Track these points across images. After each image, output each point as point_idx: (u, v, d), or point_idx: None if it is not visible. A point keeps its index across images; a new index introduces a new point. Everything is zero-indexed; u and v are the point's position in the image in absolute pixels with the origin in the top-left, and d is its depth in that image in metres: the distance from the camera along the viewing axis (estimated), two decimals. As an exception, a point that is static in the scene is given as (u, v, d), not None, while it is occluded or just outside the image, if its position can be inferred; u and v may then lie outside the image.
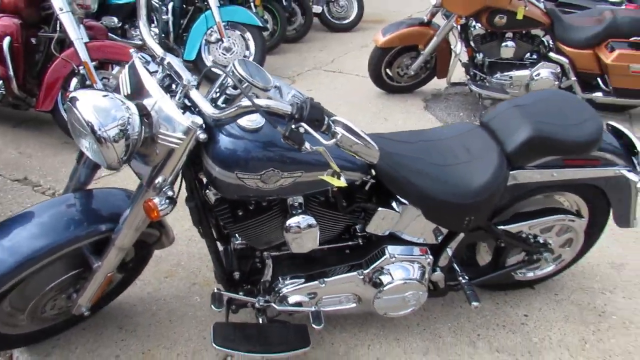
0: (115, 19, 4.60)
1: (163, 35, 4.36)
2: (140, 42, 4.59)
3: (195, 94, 1.39)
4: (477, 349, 1.98)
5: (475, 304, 1.82)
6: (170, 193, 1.45)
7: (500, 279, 2.10)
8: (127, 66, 1.52)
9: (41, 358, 1.85)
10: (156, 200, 1.41)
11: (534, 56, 4.02)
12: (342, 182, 1.33)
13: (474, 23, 3.91)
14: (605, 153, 1.82)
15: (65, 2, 3.07)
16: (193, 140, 1.37)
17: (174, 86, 1.48)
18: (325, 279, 1.77)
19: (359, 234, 1.82)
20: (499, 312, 2.16)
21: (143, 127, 1.39)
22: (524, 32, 3.89)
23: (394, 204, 1.72)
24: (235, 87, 1.45)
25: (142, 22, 1.51)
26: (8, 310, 1.65)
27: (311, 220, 1.57)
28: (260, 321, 1.82)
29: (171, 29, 4.35)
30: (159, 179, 1.43)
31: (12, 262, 1.47)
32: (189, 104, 1.42)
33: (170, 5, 4.32)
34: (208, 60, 4.45)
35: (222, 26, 4.29)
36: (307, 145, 1.27)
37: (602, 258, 2.51)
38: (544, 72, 3.91)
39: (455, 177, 1.69)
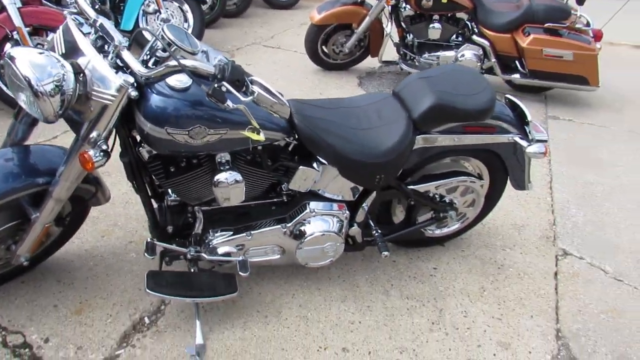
0: (48, -15, 4.50)
1: (99, 2, 4.32)
2: (75, 10, 4.53)
3: (126, 55, 1.51)
4: (389, 297, 2.22)
5: (385, 253, 2.05)
6: (104, 147, 1.57)
7: (411, 235, 2.34)
8: (60, 27, 1.61)
9: (-24, 309, 1.93)
10: (91, 152, 1.53)
11: (459, 38, 4.32)
12: (260, 137, 1.49)
13: (404, 4, 4.14)
14: (500, 122, 2.08)
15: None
16: (125, 98, 1.49)
17: (106, 47, 1.59)
18: (252, 232, 1.94)
19: (284, 192, 2.00)
20: (411, 266, 2.42)
21: (77, 84, 1.49)
22: (449, 15, 4.16)
23: (314, 164, 1.91)
24: (164, 50, 1.57)
25: (76, -15, 1.60)
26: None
27: (238, 176, 1.73)
28: (192, 270, 1.98)
29: (108, -2, 4.32)
30: (94, 134, 1.54)
31: None
32: (120, 64, 1.54)
33: (106, -27, 4.28)
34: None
35: (160, -3, 4.31)
36: (229, 102, 1.42)
37: (506, 220, 2.82)
38: (468, 53, 4.21)
39: (367, 140, 1.89)
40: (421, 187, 2.14)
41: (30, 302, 1.97)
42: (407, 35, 4.32)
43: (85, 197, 1.90)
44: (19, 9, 3.13)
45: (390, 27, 4.18)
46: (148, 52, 1.61)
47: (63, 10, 4.49)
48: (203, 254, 1.90)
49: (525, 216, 2.88)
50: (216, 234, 1.92)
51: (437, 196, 2.21)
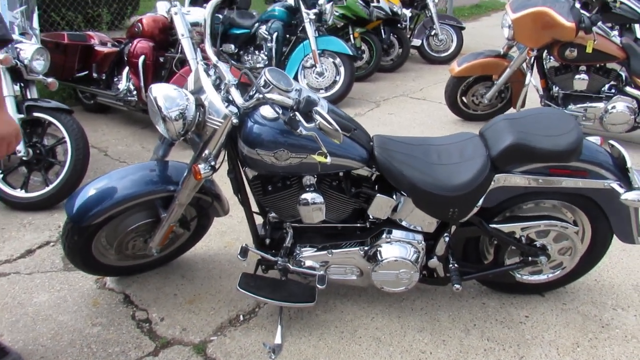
0: (232, 46, 5.46)
1: (267, 59, 5.09)
2: (249, 65, 5.38)
3: (233, 91, 1.91)
4: (468, 335, 2.22)
5: (456, 286, 2.09)
6: (212, 163, 1.98)
7: (500, 277, 2.31)
8: (193, 70, 2.10)
9: (124, 287, 2.46)
10: (200, 166, 1.94)
11: (612, 90, 4.05)
12: (323, 159, 1.74)
13: (547, 55, 4.06)
14: (593, 166, 2.01)
15: (186, 29, 3.85)
16: (230, 124, 1.88)
17: (221, 85, 2.02)
18: (333, 250, 2.16)
19: (370, 219, 2.20)
20: (501, 310, 2.37)
21: (198, 113, 1.94)
22: (598, 65, 3.96)
23: (394, 194, 2.09)
24: (265, 87, 1.94)
25: (207, 42, 2.08)
26: (103, 242, 2.27)
27: (319, 197, 1.99)
28: (283, 279, 2.26)
29: (274, 55, 5.05)
30: (206, 152, 1.96)
31: (111, 199, 2.07)
32: (230, 98, 1.95)
33: (274, 35, 5.03)
34: (303, 83, 5.07)
35: (316, 54, 4.90)
36: (301, 129, 1.72)
37: (627, 279, 2.58)
38: (620, 105, 3.92)
39: (443, 174, 2.01)
40: (505, 227, 2.14)
41: (158, 289, 2.45)
42: (552, 86, 4.20)
43: (204, 206, 2.33)
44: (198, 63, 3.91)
45: (528, 78, 4.12)
46: (254, 89, 2.00)
47: (235, 65, 5.41)
48: (289, 265, 2.17)
49: (655, 279, 2.59)
50: (303, 249, 2.19)
51: (523, 238, 2.18)
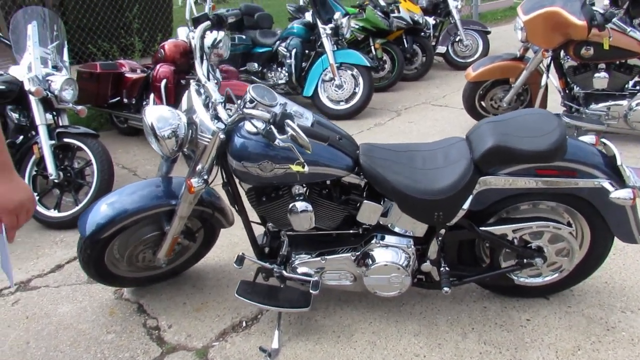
0: (256, 64, 5.65)
1: (286, 75, 5.24)
2: (272, 82, 5.55)
3: (219, 108, 2.03)
4: (465, 339, 2.22)
5: (445, 289, 2.10)
6: (205, 177, 2.11)
7: (498, 280, 2.30)
8: (187, 91, 2.24)
9: (138, 297, 2.61)
10: (193, 180, 2.07)
11: (637, 87, 3.92)
12: (300, 168, 1.82)
13: (565, 55, 3.99)
14: (582, 165, 1.99)
15: (204, 53, 4.04)
16: (218, 139, 2.00)
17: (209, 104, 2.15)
18: (326, 257, 2.23)
19: (362, 225, 2.25)
20: (502, 314, 2.35)
21: (190, 130, 2.07)
22: (618, 62, 3.84)
23: (382, 200, 2.14)
24: (251, 102, 2.05)
25: (197, 61, 2.22)
26: (115, 254, 2.43)
27: (308, 206, 2.07)
28: (282, 286, 2.35)
29: (293, 71, 5.20)
30: (199, 167, 2.09)
31: (117, 214, 2.22)
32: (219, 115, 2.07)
33: (293, 52, 5.18)
34: (323, 96, 5.18)
35: (334, 67, 5.01)
36: (277, 141, 1.81)
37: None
38: (644, 102, 3.79)
39: (427, 178, 2.04)
40: (496, 230, 2.14)
41: (169, 298, 2.59)
42: (573, 86, 4.11)
43: (207, 217, 2.46)
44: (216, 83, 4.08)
45: (545, 79, 4.05)
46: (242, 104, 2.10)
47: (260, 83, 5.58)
48: (284, 272, 2.26)
49: (674, 281, 2.49)
50: (298, 256, 2.27)
51: (516, 240, 2.16)
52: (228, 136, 2.02)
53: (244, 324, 2.38)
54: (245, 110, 1.87)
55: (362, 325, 2.32)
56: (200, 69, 2.20)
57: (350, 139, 2.20)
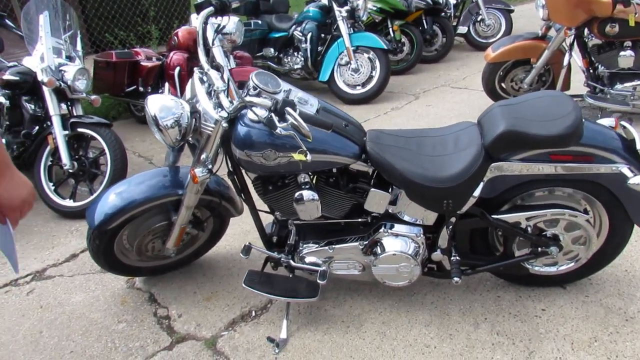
0: (272, 50, 5.59)
1: (302, 60, 5.17)
2: (288, 67, 5.49)
3: (222, 97, 1.99)
4: (477, 329, 2.16)
5: (455, 279, 2.04)
6: (210, 166, 2.08)
7: (512, 269, 2.23)
8: (191, 79, 2.20)
9: (149, 286, 2.62)
10: (197, 169, 2.05)
11: (665, 65, 3.73)
12: (302, 157, 1.78)
13: (588, 33, 3.82)
14: (599, 150, 1.89)
15: (217, 39, 4.01)
16: (221, 128, 1.97)
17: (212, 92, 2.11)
18: (334, 246, 2.19)
19: (371, 214, 2.20)
20: (516, 304, 2.28)
21: (194, 120, 2.05)
22: (645, 39, 3.67)
23: (390, 188, 2.08)
24: (254, 89, 2.00)
25: (200, 48, 2.17)
26: (125, 244, 2.44)
27: (314, 194, 2.02)
28: (290, 275, 2.32)
29: (309, 55, 5.12)
30: (203, 156, 2.07)
31: (123, 204, 2.22)
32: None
33: (308, 36, 5.10)
34: (339, 80, 5.10)
35: (351, 51, 4.91)
36: (279, 129, 1.76)
37: (665, 269, 2.39)
38: (673, 81, 3.61)
39: (436, 166, 1.98)
40: (509, 218, 2.06)
41: (180, 287, 2.59)
42: (597, 65, 3.94)
43: (215, 206, 2.43)
44: (230, 69, 4.05)
45: (567, 59, 3.89)
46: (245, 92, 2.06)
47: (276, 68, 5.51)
48: (291, 262, 2.23)
49: (703, 269, 2.38)
50: (306, 245, 2.23)
51: (529, 228, 2.08)
52: (231, 124, 1.98)
53: (253, 313, 2.37)
54: (246, 98, 1.82)
55: (372, 315, 2.29)
56: (204, 56, 2.16)
57: (357, 126, 2.13)
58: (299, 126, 1.69)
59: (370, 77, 5.05)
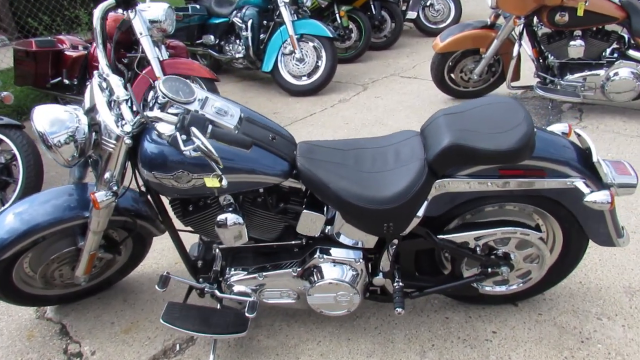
0: (212, 37, 5.22)
1: (244, 49, 4.83)
2: (229, 56, 5.13)
3: (123, 107, 1.69)
4: (424, 358, 1.97)
5: (398, 309, 1.83)
6: (115, 188, 1.78)
7: (460, 290, 2.05)
8: (89, 85, 1.88)
9: (62, 316, 2.30)
10: (97, 194, 1.74)
11: (614, 54, 3.63)
12: (216, 182, 1.51)
13: (538, 22, 3.67)
14: (552, 163, 1.70)
15: (145, 27, 3.63)
16: (123, 145, 1.67)
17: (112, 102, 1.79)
18: (264, 273, 1.94)
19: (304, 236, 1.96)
20: (466, 326, 2.10)
21: (93, 132, 1.73)
22: (595, 28, 3.54)
23: (324, 209, 1.84)
24: (163, 99, 1.70)
25: (99, 48, 1.85)
26: (27, 269, 2.10)
27: (238, 218, 1.76)
28: (218, 306, 2.06)
29: (250, 44, 4.79)
30: (107, 175, 1.76)
31: (16, 233, 1.88)
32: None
33: (249, 23, 4.76)
34: (283, 71, 4.80)
35: (294, 39, 4.61)
36: (187, 151, 1.48)
37: (618, 280, 2.27)
38: (623, 71, 3.53)
39: (376, 184, 1.74)
40: (457, 237, 1.86)
41: (96, 317, 2.29)
42: (547, 55, 3.80)
43: (131, 227, 2.13)
44: (161, 61, 3.68)
45: (517, 49, 3.73)
46: (153, 102, 1.76)
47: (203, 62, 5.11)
48: (216, 292, 1.97)
49: (650, 279, 2.27)
50: (233, 272, 1.97)
51: (478, 248, 1.90)
52: (137, 140, 1.68)
53: (177, 347, 2.10)
54: (147, 114, 1.53)
55: (309, 346, 2.06)
56: (103, 58, 1.84)
57: (287, 138, 1.87)
58: (206, 151, 1.41)
59: (316, 67, 4.76)
